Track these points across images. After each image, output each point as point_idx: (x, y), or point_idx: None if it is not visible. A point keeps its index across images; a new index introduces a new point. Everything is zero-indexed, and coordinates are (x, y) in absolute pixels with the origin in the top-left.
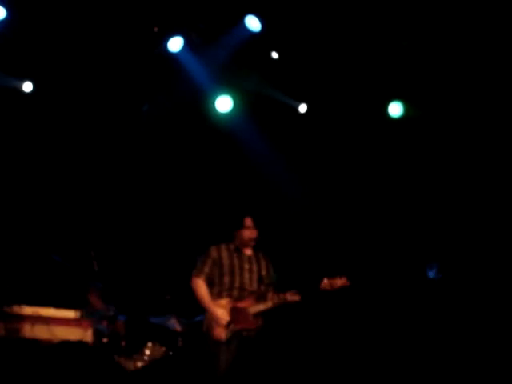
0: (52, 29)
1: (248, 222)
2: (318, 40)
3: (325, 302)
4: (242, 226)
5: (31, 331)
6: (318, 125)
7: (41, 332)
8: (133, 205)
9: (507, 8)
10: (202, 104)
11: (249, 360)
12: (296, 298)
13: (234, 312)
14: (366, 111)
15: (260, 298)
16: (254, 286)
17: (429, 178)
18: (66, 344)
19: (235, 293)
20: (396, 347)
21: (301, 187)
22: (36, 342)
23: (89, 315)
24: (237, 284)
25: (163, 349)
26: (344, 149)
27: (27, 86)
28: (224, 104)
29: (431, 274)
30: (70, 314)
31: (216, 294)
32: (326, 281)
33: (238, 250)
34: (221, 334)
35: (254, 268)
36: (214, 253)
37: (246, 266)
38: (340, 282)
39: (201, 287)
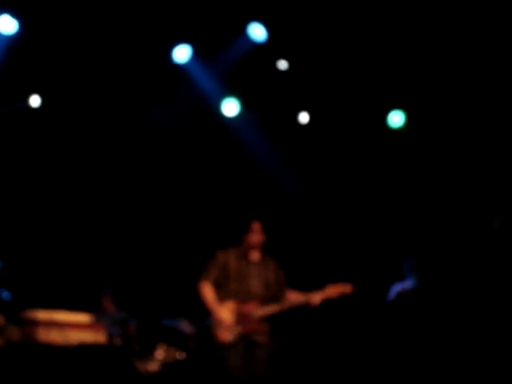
0: (60, 40)
1: (256, 226)
2: (320, 49)
3: (328, 308)
4: (249, 230)
5: (46, 335)
6: (323, 131)
7: (55, 336)
8: (143, 209)
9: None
10: (209, 109)
11: (257, 363)
12: (302, 301)
13: (239, 315)
14: (367, 121)
15: (266, 301)
16: (261, 289)
17: (430, 185)
18: (80, 347)
19: (242, 297)
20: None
21: (307, 192)
22: (51, 346)
23: (102, 319)
24: (243, 288)
25: (176, 351)
26: (350, 154)
27: (35, 101)
28: (231, 108)
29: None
30: (84, 317)
31: (222, 298)
32: (329, 287)
33: (245, 254)
34: (226, 336)
35: (262, 272)
36: (221, 257)
37: (254, 271)
38: (344, 288)
39: (206, 290)
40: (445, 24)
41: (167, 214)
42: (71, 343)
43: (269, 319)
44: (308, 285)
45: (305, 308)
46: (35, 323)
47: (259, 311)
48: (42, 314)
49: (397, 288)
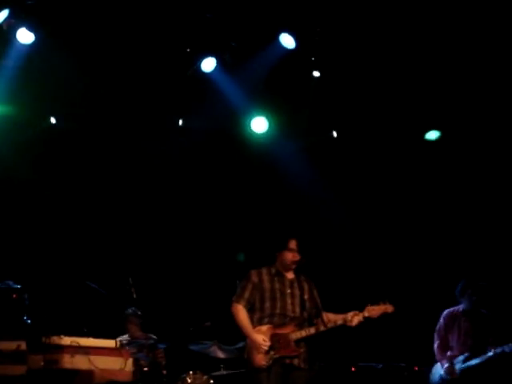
0: (83, 50)
1: (292, 244)
2: (354, 65)
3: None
4: (285, 248)
5: (71, 362)
6: (356, 148)
7: (81, 362)
8: (172, 231)
9: None
10: (237, 124)
11: None
12: (338, 322)
13: (275, 338)
14: (403, 135)
15: (302, 324)
16: (297, 311)
17: (466, 201)
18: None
19: (277, 319)
20: None
21: (343, 211)
22: (76, 373)
23: (128, 344)
24: (278, 310)
25: (205, 377)
26: (383, 172)
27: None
28: (259, 125)
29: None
30: (110, 343)
31: (257, 320)
32: (369, 307)
33: (280, 274)
34: (261, 360)
35: (297, 292)
36: (254, 277)
37: (288, 291)
38: (384, 308)
39: (241, 313)
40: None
41: (199, 233)
42: (97, 369)
43: (306, 342)
44: (349, 306)
45: (344, 329)
46: (59, 349)
47: (295, 334)
48: (66, 340)
49: (446, 312)
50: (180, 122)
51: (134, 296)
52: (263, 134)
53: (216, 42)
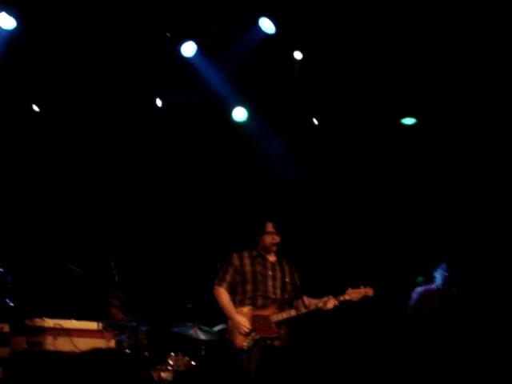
0: (62, 33)
1: (269, 227)
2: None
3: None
4: (263, 232)
5: (54, 344)
6: (335, 132)
7: (63, 344)
8: (153, 214)
9: None
10: (218, 110)
11: (272, 368)
12: (321, 306)
13: (256, 320)
14: (380, 120)
15: (283, 306)
16: (278, 293)
17: (444, 183)
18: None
19: (258, 301)
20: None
21: (320, 192)
22: (59, 354)
23: (111, 326)
24: (260, 292)
25: (186, 358)
26: (368, 155)
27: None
28: (240, 113)
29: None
30: (92, 325)
31: (239, 302)
32: (350, 290)
33: (261, 257)
34: (242, 342)
35: (278, 275)
36: (235, 260)
37: (269, 273)
38: (364, 291)
39: (223, 295)
40: (457, 31)
41: (178, 217)
42: (80, 351)
43: (286, 324)
44: (328, 288)
45: (323, 312)
46: (42, 331)
47: (276, 316)
48: (49, 322)
49: (420, 289)
50: (158, 103)
51: (116, 279)
52: (243, 121)
53: (196, 26)
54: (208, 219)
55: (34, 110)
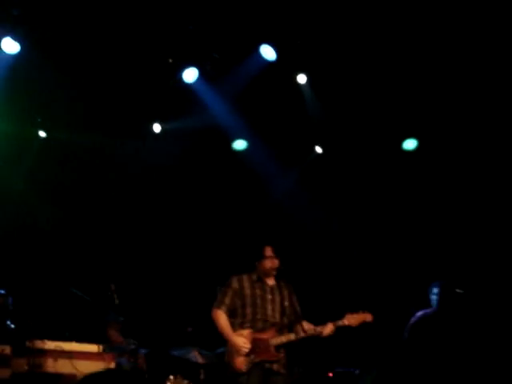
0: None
1: (268, 251)
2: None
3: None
4: (262, 256)
5: (54, 366)
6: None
7: (64, 366)
8: (153, 237)
9: None
10: (218, 136)
11: None
12: (320, 332)
13: (255, 343)
14: (381, 146)
15: (282, 329)
16: (277, 316)
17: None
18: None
19: (258, 324)
20: None
21: (321, 217)
22: (59, 377)
23: (110, 349)
24: (259, 315)
25: (185, 382)
26: (367, 181)
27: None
28: (240, 144)
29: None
30: (93, 348)
31: (238, 325)
32: (349, 315)
33: (260, 280)
34: (241, 364)
35: (277, 299)
36: (235, 283)
37: (269, 297)
38: (363, 316)
39: (221, 318)
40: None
41: (179, 240)
42: (80, 373)
43: (285, 347)
44: (327, 313)
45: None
46: (42, 353)
47: (275, 340)
48: (50, 344)
49: (418, 314)
50: (156, 128)
51: (116, 302)
52: (243, 150)
53: (198, 52)
54: (208, 243)
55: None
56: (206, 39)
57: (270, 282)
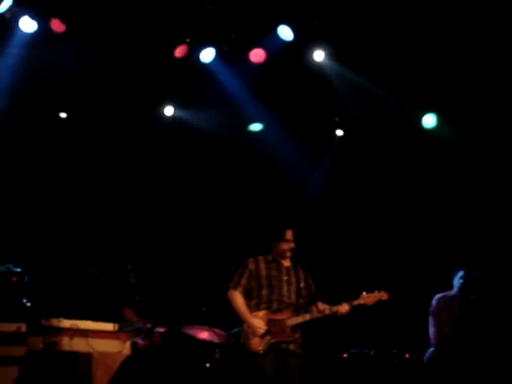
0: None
1: (288, 234)
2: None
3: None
4: (282, 239)
5: (69, 344)
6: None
7: (79, 345)
8: (170, 217)
9: None
10: (236, 118)
11: (289, 371)
12: (336, 311)
13: (271, 324)
14: (398, 123)
15: (298, 310)
16: (293, 298)
17: (463, 190)
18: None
19: (274, 305)
20: None
21: (340, 199)
22: (75, 355)
23: (126, 328)
24: (275, 296)
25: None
26: (381, 161)
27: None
28: (256, 126)
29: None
30: (109, 326)
31: (254, 307)
32: (364, 294)
33: (276, 262)
34: (257, 345)
35: (293, 280)
36: (251, 265)
37: (285, 278)
38: (379, 295)
39: (237, 299)
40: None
41: (195, 221)
42: (95, 352)
43: (301, 328)
44: (343, 293)
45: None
46: (58, 331)
47: (291, 320)
48: (66, 322)
49: (438, 296)
50: (169, 111)
51: (132, 281)
52: (260, 131)
53: (215, 32)
54: (224, 223)
55: (59, 116)
56: (224, 19)
57: (286, 263)
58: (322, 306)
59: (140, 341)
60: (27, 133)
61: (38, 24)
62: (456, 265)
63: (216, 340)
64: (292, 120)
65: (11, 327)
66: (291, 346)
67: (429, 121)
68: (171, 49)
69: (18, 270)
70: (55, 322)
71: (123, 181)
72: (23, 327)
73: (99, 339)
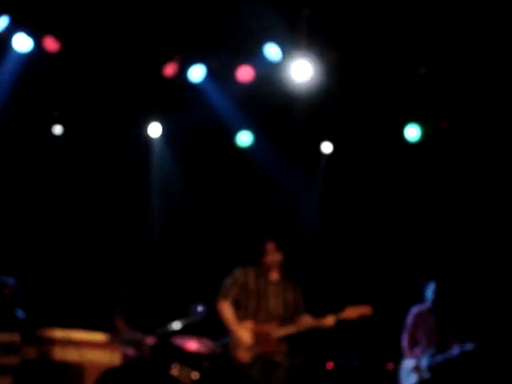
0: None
1: (270, 246)
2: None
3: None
4: (265, 252)
5: (62, 354)
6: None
7: (71, 355)
8: (160, 231)
9: None
10: (223, 133)
11: (276, 383)
12: (321, 324)
13: (258, 335)
14: (383, 135)
15: (284, 322)
16: (280, 310)
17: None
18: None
19: (261, 317)
20: None
21: (321, 210)
22: (67, 365)
23: (117, 339)
24: (262, 308)
25: (189, 371)
26: (367, 173)
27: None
28: (244, 139)
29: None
30: (100, 337)
31: (242, 318)
32: (348, 308)
33: (265, 274)
34: (244, 356)
35: (280, 292)
36: (240, 276)
37: (273, 291)
38: (363, 310)
39: (226, 309)
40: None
41: (184, 235)
42: (87, 362)
43: (287, 339)
44: (328, 307)
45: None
46: (51, 342)
47: (278, 331)
48: (58, 333)
49: (414, 310)
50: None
51: (122, 292)
52: (247, 146)
53: (204, 50)
54: (212, 236)
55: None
56: (213, 38)
57: (274, 275)
58: (307, 318)
59: (131, 351)
60: (21, 147)
61: (34, 43)
62: (426, 278)
63: (204, 351)
64: (278, 135)
65: (5, 337)
66: (276, 357)
67: (412, 133)
68: (160, 67)
69: (11, 281)
70: (48, 332)
71: (114, 193)
72: (17, 337)
73: (91, 349)
